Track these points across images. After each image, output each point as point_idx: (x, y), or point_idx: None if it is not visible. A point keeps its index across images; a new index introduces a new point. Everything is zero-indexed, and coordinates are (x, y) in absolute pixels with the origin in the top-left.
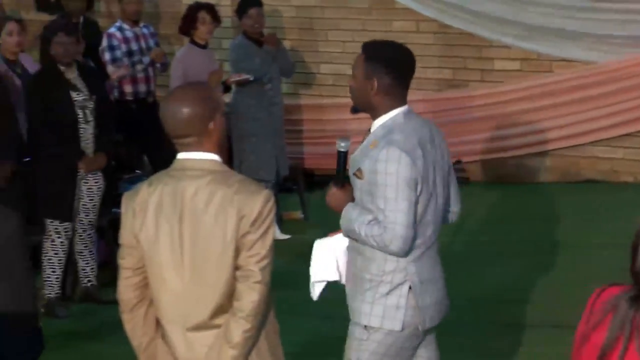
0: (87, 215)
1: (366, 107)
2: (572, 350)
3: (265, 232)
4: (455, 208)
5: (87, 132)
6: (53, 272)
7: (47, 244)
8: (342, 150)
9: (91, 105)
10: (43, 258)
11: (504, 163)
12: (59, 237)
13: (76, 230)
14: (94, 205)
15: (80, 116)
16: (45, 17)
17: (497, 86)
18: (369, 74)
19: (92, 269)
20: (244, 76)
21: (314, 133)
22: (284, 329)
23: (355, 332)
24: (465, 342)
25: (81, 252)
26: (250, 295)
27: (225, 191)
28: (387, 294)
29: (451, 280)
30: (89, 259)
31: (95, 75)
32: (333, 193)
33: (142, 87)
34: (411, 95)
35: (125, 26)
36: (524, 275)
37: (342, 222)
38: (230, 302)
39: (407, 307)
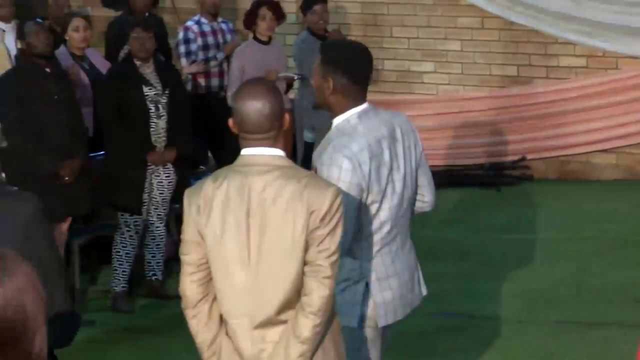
0: (156, 209)
1: (325, 106)
2: None
3: (335, 227)
4: (427, 198)
5: (158, 126)
6: (120, 265)
7: (117, 237)
8: (309, 141)
9: (164, 100)
10: (113, 251)
11: (568, 160)
12: (128, 231)
13: (146, 224)
14: (163, 199)
15: (152, 110)
16: (111, 13)
17: (562, 83)
18: (325, 74)
19: (158, 263)
20: (290, 74)
21: None
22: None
23: None
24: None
25: (148, 246)
26: (320, 290)
27: (294, 186)
28: (343, 290)
29: (514, 277)
30: (156, 252)
31: (170, 70)
32: None
33: (215, 82)
34: (476, 91)
35: (204, 20)
36: (592, 272)
37: None
38: (297, 297)
39: (363, 303)
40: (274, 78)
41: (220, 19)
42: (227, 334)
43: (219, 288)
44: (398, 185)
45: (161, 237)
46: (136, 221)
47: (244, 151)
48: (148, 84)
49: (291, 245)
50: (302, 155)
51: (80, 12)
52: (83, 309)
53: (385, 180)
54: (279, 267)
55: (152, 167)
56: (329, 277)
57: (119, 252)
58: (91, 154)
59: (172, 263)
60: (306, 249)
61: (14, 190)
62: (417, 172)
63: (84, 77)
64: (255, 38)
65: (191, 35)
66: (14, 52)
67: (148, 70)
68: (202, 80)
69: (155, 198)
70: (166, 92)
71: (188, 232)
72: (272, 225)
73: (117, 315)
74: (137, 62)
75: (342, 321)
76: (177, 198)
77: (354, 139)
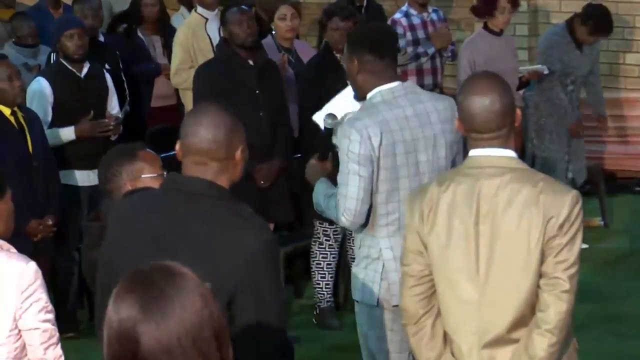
0: None
1: (357, 90)
2: None
3: (574, 236)
4: None
5: None
6: (323, 278)
7: (315, 248)
8: (328, 127)
9: None
10: (312, 264)
11: None
12: (327, 240)
13: (350, 232)
14: None
15: None
16: (324, 0)
17: None
18: (350, 56)
19: None
20: (539, 67)
21: (616, 130)
22: (583, 347)
23: (355, 307)
24: None
25: (355, 257)
26: (557, 306)
27: (529, 190)
28: (365, 268)
29: None
30: None
31: None
32: (311, 165)
33: (428, 79)
34: None
35: (412, 11)
36: None
37: (313, 195)
38: (532, 313)
39: (381, 282)
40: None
41: (430, 8)
42: (452, 353)
43: (444, 303)
44: (424, 167)
45: None
46: (336, 230)
47: (472, 152)
48: None
49: (525, 255)
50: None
51: None
52: (288, 324)
53: (402, 159)
54: (511, 280)
55: None
56: (567, 292)
57: (319, 264)
58: (297, 155)
59: None
60: (542, 260)
61: (247, 213)
62: (456, 158)
63: (290, 72)
64: (485, 28)
65: (400, 30)
66: (217, 41)
67: None
68: (413, 79)
69: None
70: None
71: (409, 241)
72: (504, 233)
73: (324, 332)
74: (338, 56)
75: (363, 299)
76: None
77: (368, 113)
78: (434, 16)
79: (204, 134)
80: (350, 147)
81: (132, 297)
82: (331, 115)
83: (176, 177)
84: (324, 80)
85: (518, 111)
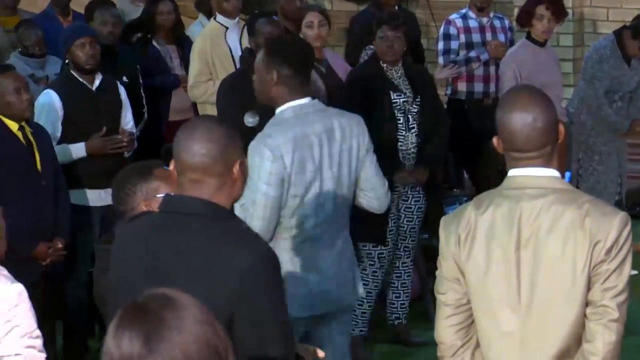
0: (403, 240)
1: (267, 100)
2: None
3: (623, 261)
4: (371, 194)
5: (407, 140)
6: (359, 305)
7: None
8: (250, 125)
9: (415, 109)
10: None
11: None
12: (371, 265)
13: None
14: (412, 228)
15: (401, 122)
16: (353, 7)
17: None
18: (269, 66)
19: (403, 305)
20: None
21: None
22: None
23: None
24: None
25: (392, 284)
26: (606, 336)
27: (574, 213)
28: None
29: None
30: (401, 292)
31: (422, 75)
32: None
33: (478, 87)
34: None
35: (471, 14)
36: None
37: None
38: (577, 344)
39: None
40: None
41: (492, 14)
42: None
43: (483, 334)
44: (328, 184)
45: (408, 274)
46: (381, 253)
47: (512, 172)
48: (397, 90)
49: (571, 282)
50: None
51: (316, 6)
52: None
53: (310, 175)
54: (555, 310)
55: (399, 189)
56: (616, 321)
57: None
58: None
59: (417, 304)
60: (588, 287)
61: (242, 230)
62: (360, 177)
63: (320, 84)
64: (528, 38)
65: (453, 31)
66: (237, 52)
67: (396, 75)
68: (462, 85)
69: (403, 227)
70: (417, 100)
71: (445, 268)
72: (547, 259)
73: None
74: (384, 65)
75: None
76: (425, 227)
77: (280, 129)
78: (496, 22)
79: (197, 148)
80: (263, 166)
81: (132, 331)
82: (252, 114)
83: (171, 198)
84: (369, 93)
85: (561, 127)
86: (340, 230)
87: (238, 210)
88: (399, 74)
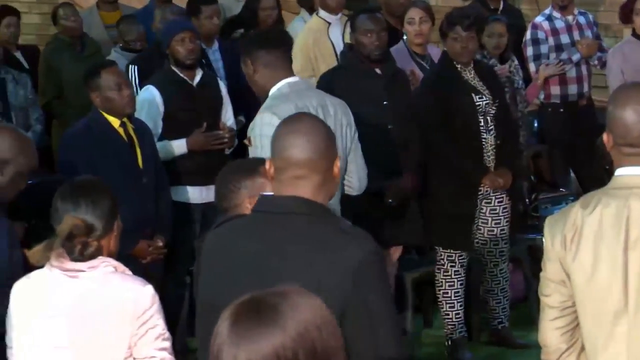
0: (496, 245)
1: (259, 91)
2: None
3: None
4: (355, 184)
5: (487, 142)
6: (452, 308)
7: (440, 276)
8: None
9: (493, 111)
10: (438, 293)
11: None
12: (452, 266)
13: (485, 263)
14: (501, 230)
15: (482, 124)
16: (458, 3)
17: None
18: (245, 59)
19: (504, 308)
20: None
21: None
22: None
23: None
24: None
25: (491, 291)
26: None
27: None
28: None
29: None
30: (501, 297)
31: (494, 76)
32: None
33: (572, 89)
34: None
35: (555, 14)
36: None
37: None
38: None
39: None
40: None
41: (576, 10)
42: None
43: (588, 338)
44: None
45: (506, 279)
46: (461, 256)
47: (621, 170)
48: (478, 92)
49: None
50: None
51: (420, 1)
52: (417, 356)
53: None
54: None
55: (482, 192)
56: None
57: (446, 292)
58: None
59: (521, 305)
60: None
61: (347, 227)
62: (348, 157)
63: (418, 76)
64: (634, 35)
65: (541, 35)
66: (340, 48)
67: (470, 76)
68: (555, 88)
69: (492, 231)
70: (496, 102)
71: (550, 269)
72: None
73: None
74: (458, 66)
75: None
76: (517, 227)
77: (282, 100)
78: (581, 19)
79: (304, 144)
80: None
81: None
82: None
83: (268, 198)
84: (448, 92)
85: None
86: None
87: None
88: (472, 75)
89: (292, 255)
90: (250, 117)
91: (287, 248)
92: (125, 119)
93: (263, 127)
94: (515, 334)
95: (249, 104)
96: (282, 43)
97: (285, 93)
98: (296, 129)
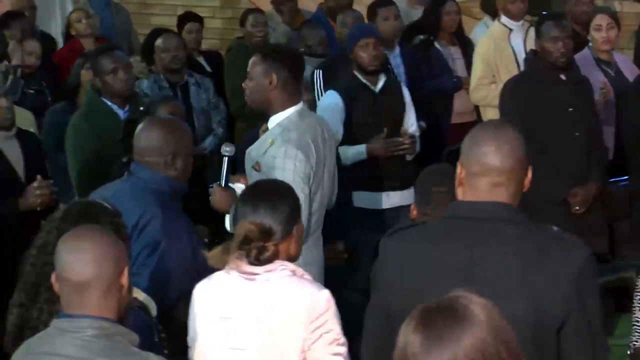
0: None
1: (262, 104)
2: None
3: None
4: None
5: None
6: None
7: None
8: (227, 155)
9: None
10: (635, 299)
11: None
12: None
13: None
14: None
15: None
16: None
17: None
18: (267, 70)
19: None
20: None
21: None
22: None
23: None
24: None
25: None
26: None
27: None
28: None
29: None
30: None
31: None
32: (218, 194)
33: None
34: None
35: None
36: None
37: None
38: None
39: None
40: None
41: None
42: None
43: None
44: (326, 179)
45: None
46: None
47: None
48: None
49: None
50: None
51: (606, 8)
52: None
53: (320, 174)
54: None
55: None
56: None
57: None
58: (612, 180)
59: None
60: None
61: (559, 233)
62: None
63: (610, 90)
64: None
65: None
66: (521, 54)
67: None
68: None
69: None
70: None
71: None
72: None
73: None
74: None
75: None
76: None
77: (301, 133)
78: None
79: (507, 151)
80: (297, 167)
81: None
82: (229, 144)
83: (465, 204)
84: None
85: None
86: (321, 225)
87: None
88: None
89: (501, 265)
90: (430, 123)
91: (496, 257)
92: None
93: (286, 161)
94: None
95: (429, 109)
96: (302, 72)
97: (296, 122)
98: (494, 136)
